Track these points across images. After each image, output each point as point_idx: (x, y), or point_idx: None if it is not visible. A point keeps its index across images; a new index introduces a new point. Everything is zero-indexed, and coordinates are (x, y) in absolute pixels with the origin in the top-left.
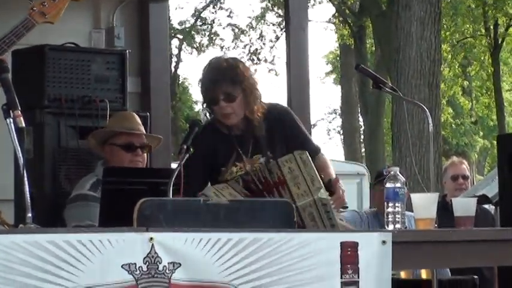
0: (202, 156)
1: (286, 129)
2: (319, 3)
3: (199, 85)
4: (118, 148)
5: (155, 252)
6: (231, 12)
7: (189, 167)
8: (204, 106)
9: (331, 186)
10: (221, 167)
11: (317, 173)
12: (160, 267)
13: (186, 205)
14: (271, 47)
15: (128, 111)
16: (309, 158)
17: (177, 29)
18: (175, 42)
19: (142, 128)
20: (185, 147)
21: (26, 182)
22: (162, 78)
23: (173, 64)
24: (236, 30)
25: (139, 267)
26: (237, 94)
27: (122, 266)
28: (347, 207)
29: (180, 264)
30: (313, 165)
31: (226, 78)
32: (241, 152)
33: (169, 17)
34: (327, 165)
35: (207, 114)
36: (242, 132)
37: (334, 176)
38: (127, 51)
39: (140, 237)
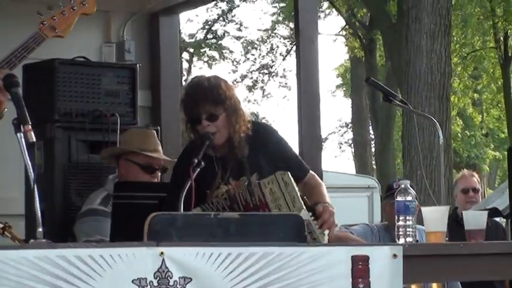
0: (187, 180)
1: (269, 150)
2: (329, 14)
3: (181, 105)
4: (136, 167)
5: (166, 267)
6: (241, 25)
7: (173, 191)
8: (188, 126)
9: (314, 210)
10: (206, 190)
11: (298, 193)
12: (171, 282)
13: (197, 219)
14: (282, 60)
15: (148, 130)
16: (291, 178)
17: (188, 42)
18: (185, 56)
19: (160, 148)
20: (196, 161)
21: (37, 197)
22: (173, 91)
23: (184, 77)
24: (246, 43)
25: (149, 282)
26: (219, 114)
27: (132, 281)
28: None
29: (191, 279)
30: (295, 185)
31: (208, 98)
32: (225, 174)
33: (179, 30)
34: (316, 188)
35: (191, 135)
36: (225, 154)
37: (325, 198)
38: (137, 65)
39: (151, 251)
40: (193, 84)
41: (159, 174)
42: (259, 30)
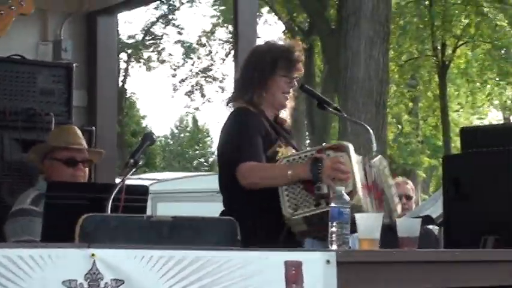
0: (260, 135)
1: None
2: (269, 25)
3: (283, 57)
4: (59, 163)
5: (97, 269)
6: (181, 28)
7: (253, 143)
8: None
9: None
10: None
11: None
12: (102, 284)
13: (129, 221)
14: (221, 64)
15: (69, 125)
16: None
17: (126, 43)
18: (123, 57)
19: (83, 142)
20: (132, 161)
21: None
22: (109, 92)
23: (121, 78)
24: (186, 47)
25: (79, 283)
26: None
27: (62, 283)
28: None
29: (123, 281)
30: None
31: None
32: (280, 135)
33: (117, 31)
34: None
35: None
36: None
37: None
38: (73, 64)
39: (81, 253)
40: (296, 46)
41: (86, 169)
42: (199, 36)
